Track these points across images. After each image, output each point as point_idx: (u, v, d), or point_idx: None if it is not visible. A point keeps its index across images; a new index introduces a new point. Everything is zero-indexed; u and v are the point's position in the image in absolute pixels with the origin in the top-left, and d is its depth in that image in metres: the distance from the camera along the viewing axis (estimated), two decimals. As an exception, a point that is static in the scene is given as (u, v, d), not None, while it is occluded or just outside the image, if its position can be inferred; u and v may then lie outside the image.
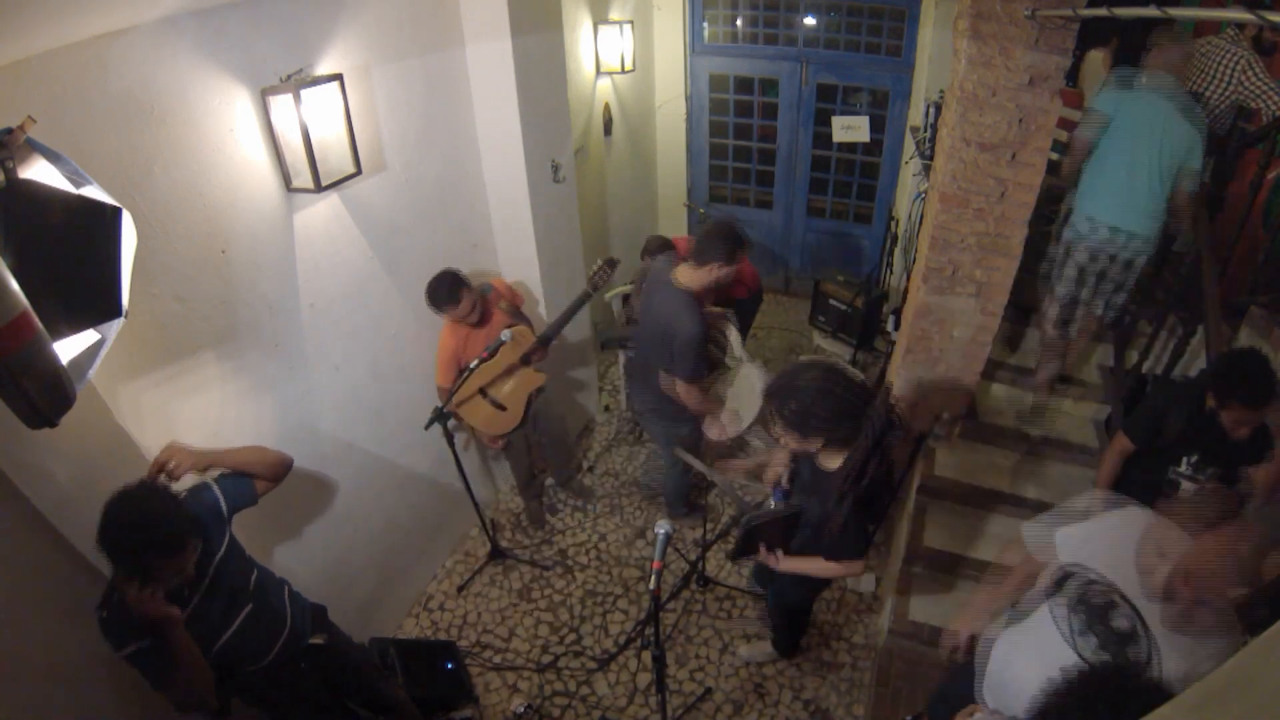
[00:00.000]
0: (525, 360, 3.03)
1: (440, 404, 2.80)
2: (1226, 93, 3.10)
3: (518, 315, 3.09)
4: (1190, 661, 1.39)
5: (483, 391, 2.99)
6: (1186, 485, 2.22)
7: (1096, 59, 3.69)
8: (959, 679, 1.99)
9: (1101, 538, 1.65)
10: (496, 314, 2.99)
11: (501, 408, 3.05)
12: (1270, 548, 1.72)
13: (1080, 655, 1.54)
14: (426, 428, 2.80)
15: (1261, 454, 2.10)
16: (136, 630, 1.58)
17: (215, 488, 1.82)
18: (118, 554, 1.48)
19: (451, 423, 2.86)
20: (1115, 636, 1.49)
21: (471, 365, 2.71)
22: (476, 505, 3.18)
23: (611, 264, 3.04)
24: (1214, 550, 1.39)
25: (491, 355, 2.79)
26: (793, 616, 2.73)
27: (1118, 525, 1.64)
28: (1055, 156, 2.90)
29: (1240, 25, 3.05)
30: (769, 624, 2.90)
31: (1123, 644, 1.48)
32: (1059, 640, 1.61)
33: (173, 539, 1.52)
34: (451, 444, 2.88)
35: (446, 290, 2.70)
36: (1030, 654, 1.67)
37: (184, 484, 1.79)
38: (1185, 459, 2.21)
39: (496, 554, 3.42)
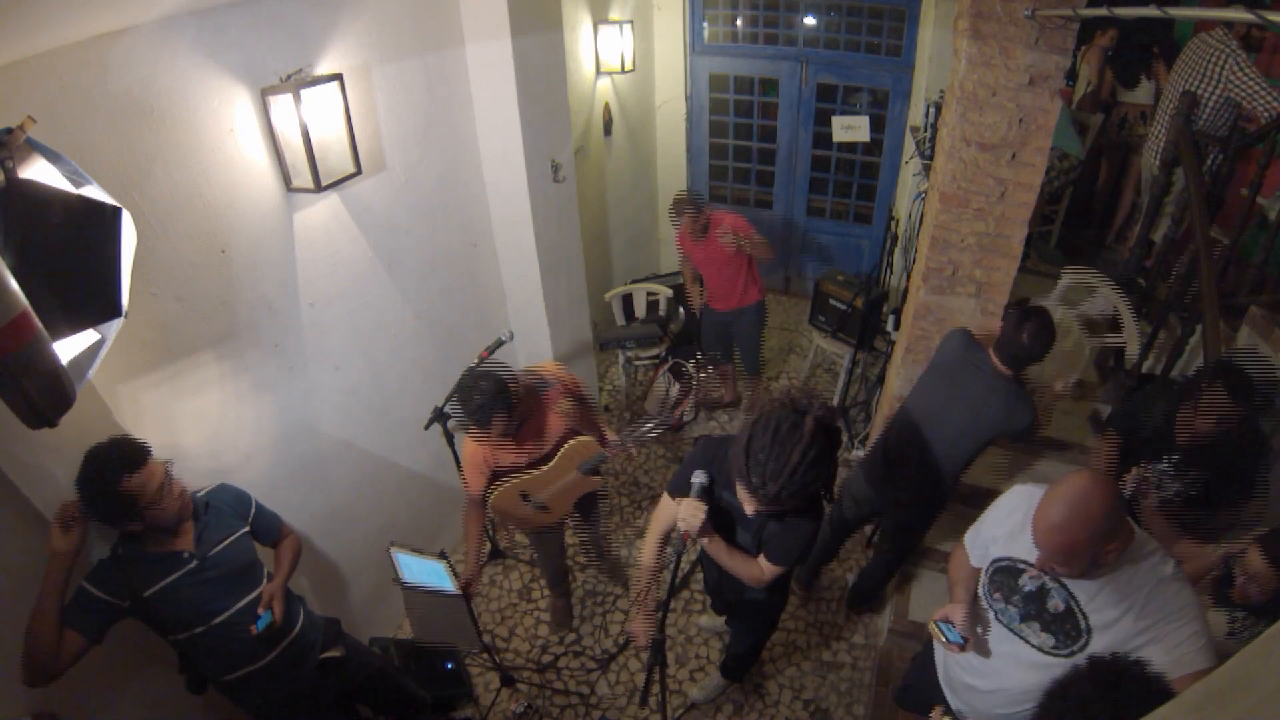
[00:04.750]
0: (585, 472, 2.55)
1: (440, 405, 2.80)
2: (1216, 90, 3.11)
3: (583, 421, 2.55)
4: (1123, 606, 1.41)
5: (524, 495, 2.55)
6: (1167, 484, 2.22)
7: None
8: (924, 671, 2.02)
9: (1006, 522, 1.66)
10: (552, 417, 2.42)
11: (544, 509, 2.65)
12: None
13: (1028, 641, 1.59)
14: (426, 427, 2.80)
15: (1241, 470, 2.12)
16: (115, 586, 1.66)
17: (253, 501, 2.01)
18: (91, 485, 1.55)
19: (451, 422, 2.85)
20: (1053, 617, 1.53)
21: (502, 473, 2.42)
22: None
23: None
24: (1058, 502, 1.39)
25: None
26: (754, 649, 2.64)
27: (1020, 505, 1.64)
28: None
29: (1229, 24, 3.05)
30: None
31: (1062, 623, 1.51)
32: (1006, 634, 1.64)
33: (133, 453, 1.60)
34: (451, 444, 2.88)
35: (476, 409, 2.12)
36: (982, 649, 1.72)
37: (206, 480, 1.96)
38: (1166, 457, 2.21)
39: (496, 554, 3.42)
